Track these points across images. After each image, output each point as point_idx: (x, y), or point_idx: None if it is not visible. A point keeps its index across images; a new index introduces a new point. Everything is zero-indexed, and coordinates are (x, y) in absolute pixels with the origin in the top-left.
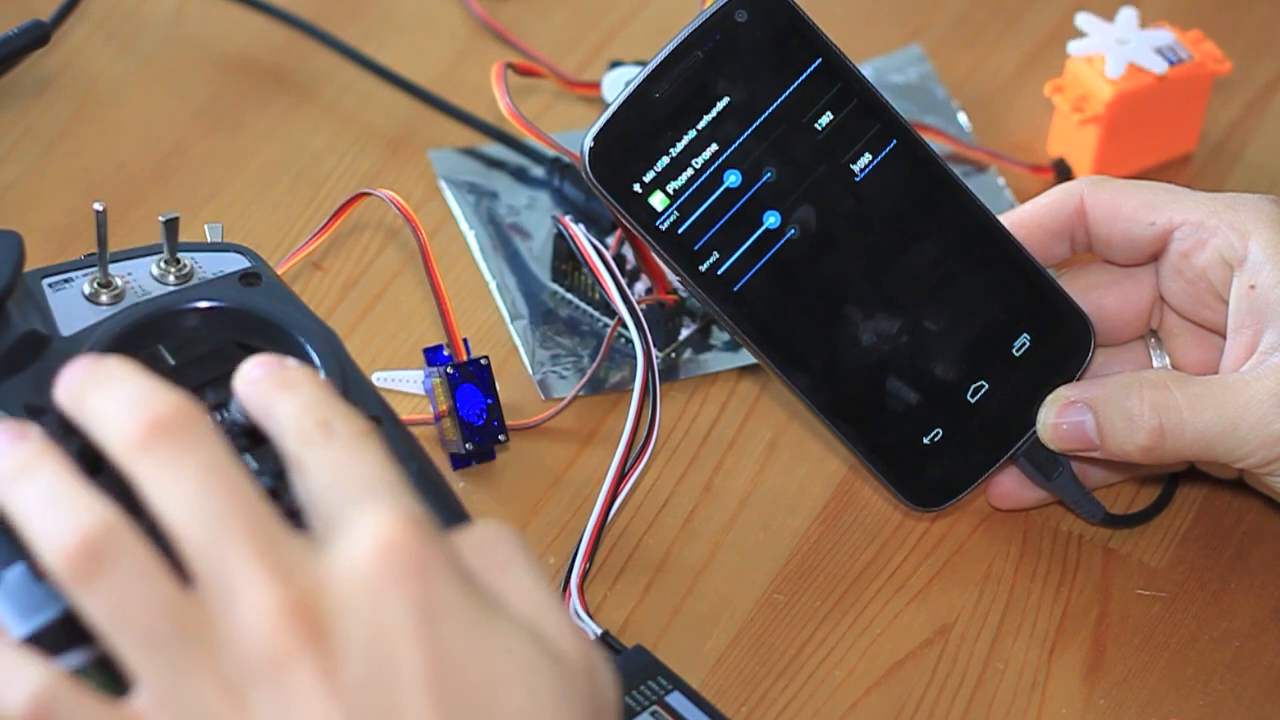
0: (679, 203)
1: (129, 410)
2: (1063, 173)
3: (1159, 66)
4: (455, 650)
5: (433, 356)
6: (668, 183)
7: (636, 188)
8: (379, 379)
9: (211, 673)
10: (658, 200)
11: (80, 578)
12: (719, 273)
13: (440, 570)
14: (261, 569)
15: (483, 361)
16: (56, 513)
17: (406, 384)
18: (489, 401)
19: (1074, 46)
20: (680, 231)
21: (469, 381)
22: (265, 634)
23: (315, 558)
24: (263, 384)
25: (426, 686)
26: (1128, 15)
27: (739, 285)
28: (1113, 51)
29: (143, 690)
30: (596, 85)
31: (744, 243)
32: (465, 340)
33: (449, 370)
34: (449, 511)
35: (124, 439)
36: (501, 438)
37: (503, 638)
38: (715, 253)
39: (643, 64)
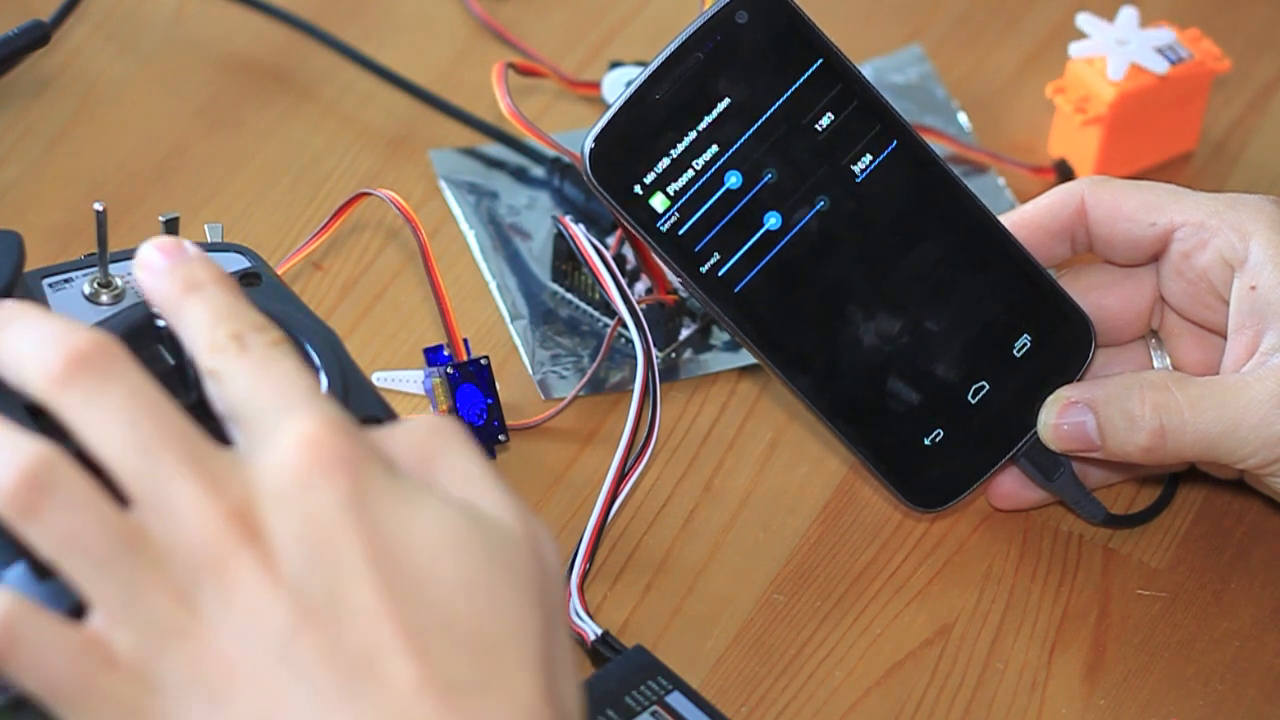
0: (680, 204)
1: (47, 348)
2: (1064, 173)
3: (1160, 66)
4: (388, 530)
5: (433, 356)
6: (668, 184)
7: (637, 189)
8: (379, 379)
9: (159, 583)
10: (658, 201)
11: (25, 511)
12: (720, 274)
13: (364, 461)
14: (194, 482)
15: (483, 361)
16: None
17: (406, 384)
18: (489, 401)
19: (1075, 48)
20: (681, 233)
21: (469, 381)
22: (205, 539)
23: (244, 468)
24: (167, 280)
25: (365, 565)
26: (1128, 15)
27: (740, 286)
28: (1114, 53)
29: (97, 610)
30: (597, 85)
31: (745, 244)
32: (465, 340)
33: (449, 370)
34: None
35: (45, 377)
36: (502, 438)
37: (433, 514)
38: (716, 254)
39: (643, 64)
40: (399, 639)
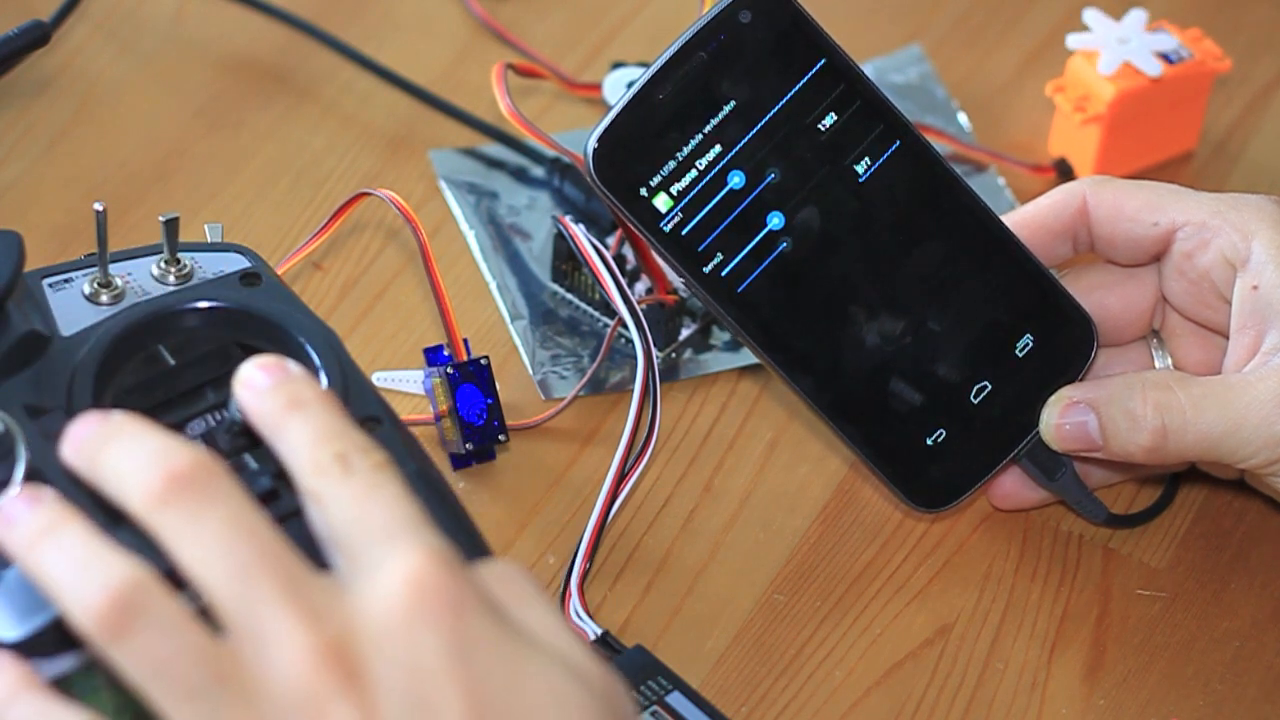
0: (683, 204)
1: (146, 466)
2: (1064, 173)
3: (1154, 69)
4: (491, 683)
5: (433, 356)
6: (671, 184)
7: (640, 189)
8: (379, 379)
9: (250, 718)
10: (661, 202)
11: (113, 635)
12: (723, 274)
13: (470, 605)
14: (292, 614)
15: (483, 361)
16: (84, 573)
17: (406, 384)
18: (489, 401)
19: (1073, 39)
20: (684, 233)
21: (469, 381)
22: (300, 677)
23: (344, 599)
24: (270, 399)
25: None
26: (1136, 17)
27: (743, 287)
28: (1110, 49)
29: None
30: (598, 86)
31: (748, 244)
32: (465, 340)
33: (449, 370)
34: (449, 511)
35: (144, 495)
36: (501, 438)
37: (535, 668)
38: (719, 254)
39: (644, 65)
40: None
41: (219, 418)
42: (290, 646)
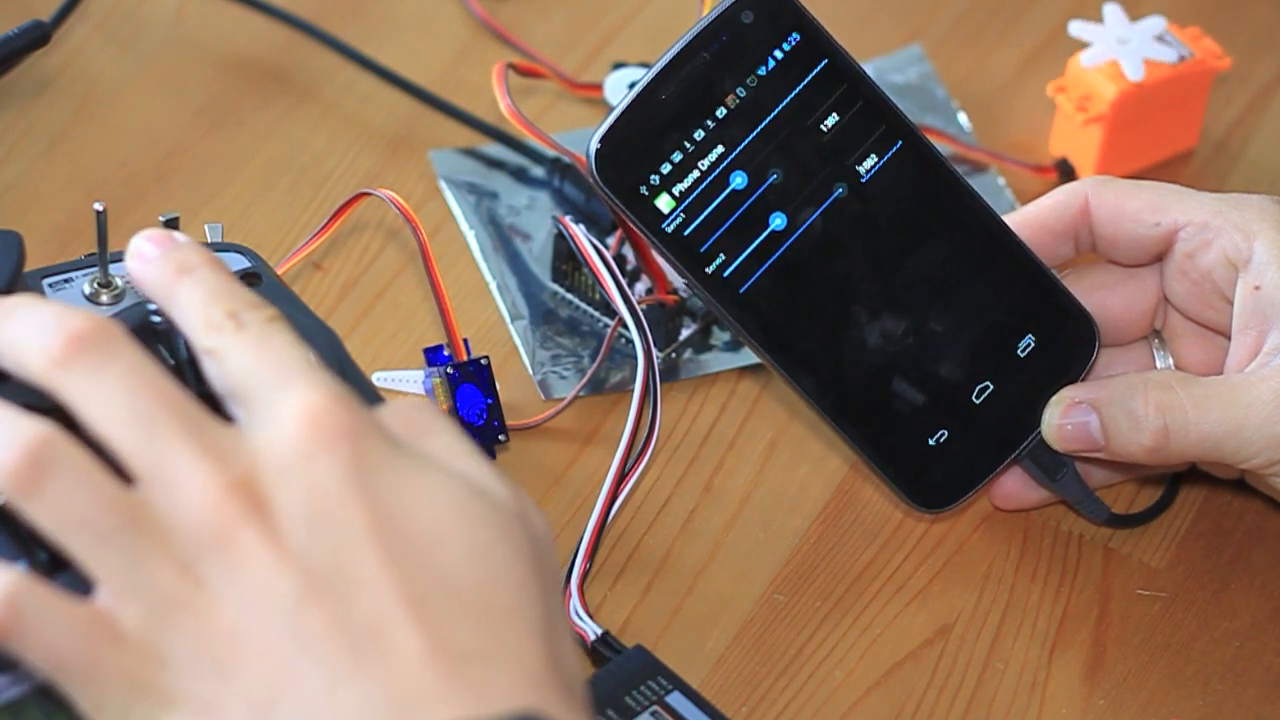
0: (685, 205)
1: (45, 332)
2: (1066, 173)
3: (1170, 55)
4: (393, 502)
5: (433, 356)
6: (674, 185)
7: (643, 190)
8: (379, 379)
9: (164, 557)
10: (664, 202)
11: (27, 489)
12: (725, 275)
13: (366, 433)
14: (196, 454)
15: (483, 361)
16: None
17: (406, 384)
18: (489, 402)
19: (1086, 57)
20: (686, 234)
21: (469, 382)
22: (208, 512)
23: (245, 440)
24: (160, 266)
25: (370, 537)
26: (1113, 11)
27: (745, 287)
28: (1123, 54)
29: (102, 586)
30: (599, 86)
31: (750, 245)
32: (465, 340)
33: (449, 370)
34: None
35: (45, 359)
36: (502, 438)
37: (437, 486)
38: (721, 255)
39: (645, 65)
40: (405, 609)
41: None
42: (196, 485)
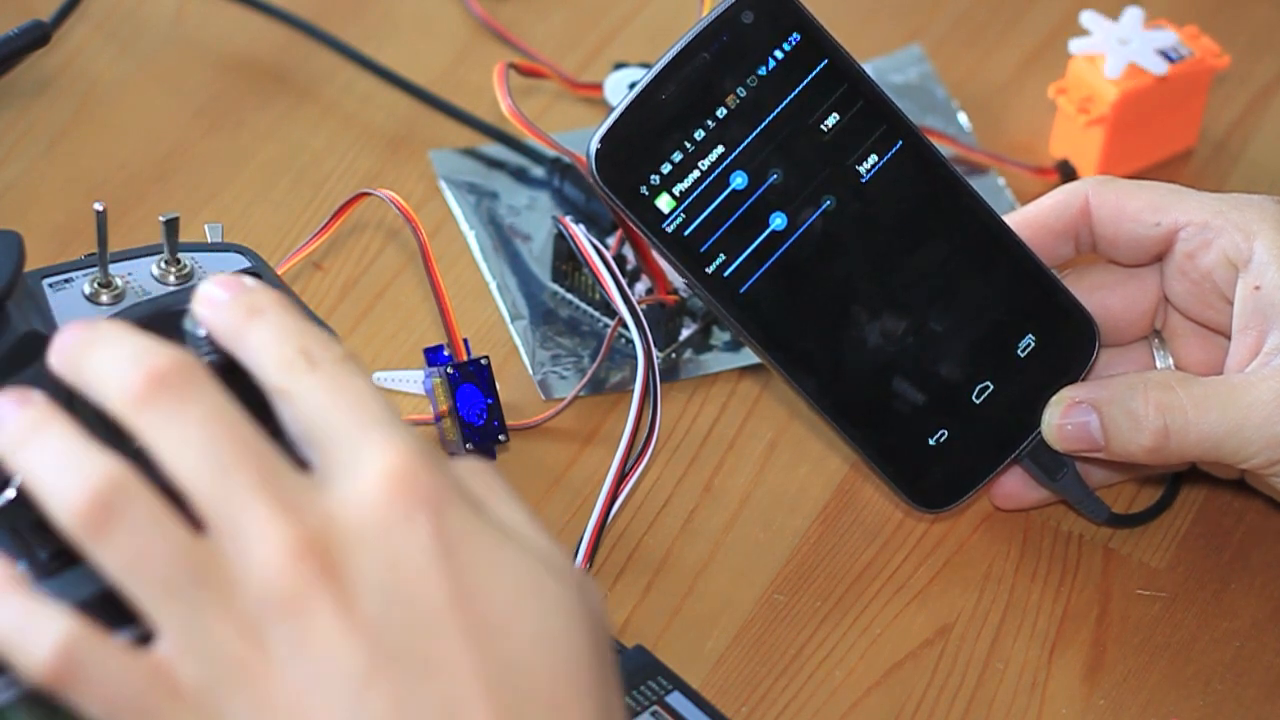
0: (685, 205)
1: (127, 367)
2: (1067, 174)
3: (1159, 68)
4: (473, 577)
5: (433, 356)
6: (674, 185)
7: (643, 190)
8: (379, 379)
9: (229, 615)
10: (664, 202)
11: (94, 531)
12: (725, 275)
13: (449, 499)
14: (271, 508)
15: (483, 361)
16: (66, 471)
17: (406, 384)
18: (489, 401)
19: (1075, 44)
20: (686, 234)
21: (469, 382)
22: (279, 572)
23: (322, 494)
24: (228, 310)
25: (449, 614)
26: (1133, 15)
27: (745, 287)
28: (1114, 51)
29: (163, 638)
30: (599, 86)
31: (750, 244)
32: (465, 340)
33: (449, 370)
34: None
35: (124, 395)
36: (502, 438)
37: (514, 561)
38: (722, 255)
39: (646, 65)
40: (481, 695)
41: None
42: (269, 541)
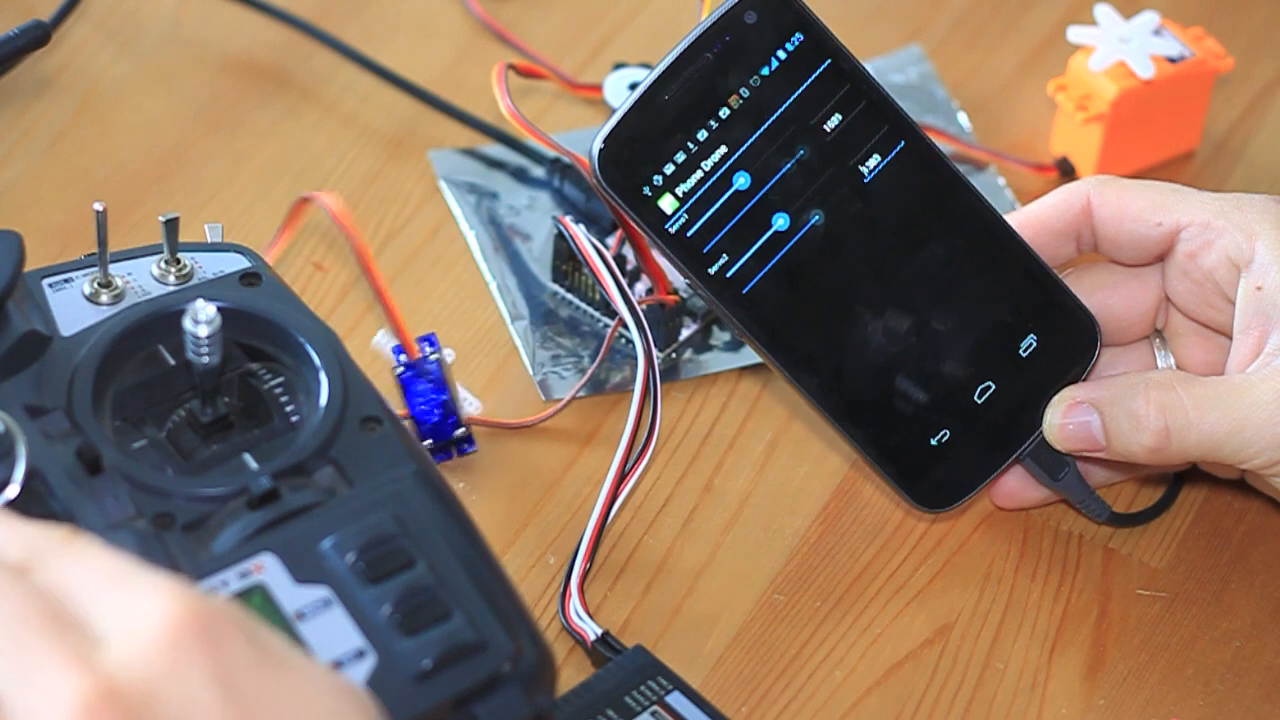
0: (688, 205)
1: None
2: (1067, 171)
3: (1146, 71)
4: (259, 706)
5: (398, 354)
6: (677, 185)
7: (646, 190)
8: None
9: None
10: (667, 203)
11: None
12: (728, 275)
13: (224, 633)
14: (62, 662)
15: (432, 358)
16: None
17: None
18: (443, 398)
19: (1074, 32)
20: (690, 234)
21: (422, 378)
22: None
23: (105, 647)
24: None
25: None
26: (1147, 19)
27: (748, 288)
28: (1108, 46)
29: None
30: (598, 87)
31: (753, 245)
32: (431, 337)
33: (398, 369)
34: (448, 512)
35: None
36: (459, 431)
37: (302, 683)
38: (724, 255)
39: (645, 65)
40: None
41: (181, 414)
42: (64, 694)
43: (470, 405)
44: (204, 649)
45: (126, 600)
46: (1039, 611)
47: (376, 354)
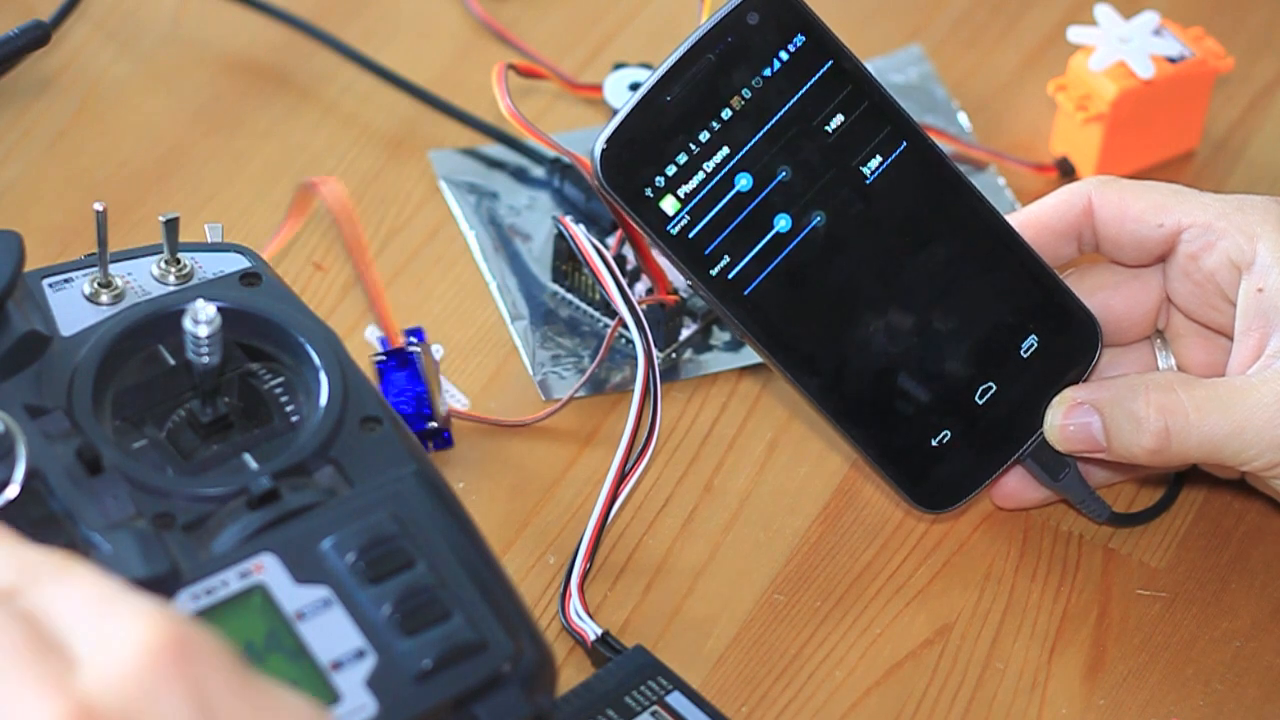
0: (690, 206)
1: None
2: (1067, 171)
3: (1146, 71)
4: None
5: (384, 345)
6: (679, 186)
7: (648, 192)
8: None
9: None
10: (669, 204)
11: None
12: (730, 276)
13: (201, 655)
14: (39, 685)
15: (410, 348)
16: None
17: None
18: (419, 390)
19: (1074, 33)
20: (691, 235)
21: (403, 369)
22: None
23: (83, 670)
24: None
25: None
26: (1147, 19)
27: (750, 289)
28: (1108, 46)
29: None
30: (599, 87)
31: (755, 246)
32: (419, 330)
33: (376, 360)
34: (448, 512)
35: None
36: (433, 424)
37: (278, 705)
38: (726, 256)
39: (645, 66)
40: None
41: (181, 414)
42: (43, 714)
43: (456, 401)
44: (181, 673)
45: (107, 624)
46: (1039, 611)
47: (370, 347)
